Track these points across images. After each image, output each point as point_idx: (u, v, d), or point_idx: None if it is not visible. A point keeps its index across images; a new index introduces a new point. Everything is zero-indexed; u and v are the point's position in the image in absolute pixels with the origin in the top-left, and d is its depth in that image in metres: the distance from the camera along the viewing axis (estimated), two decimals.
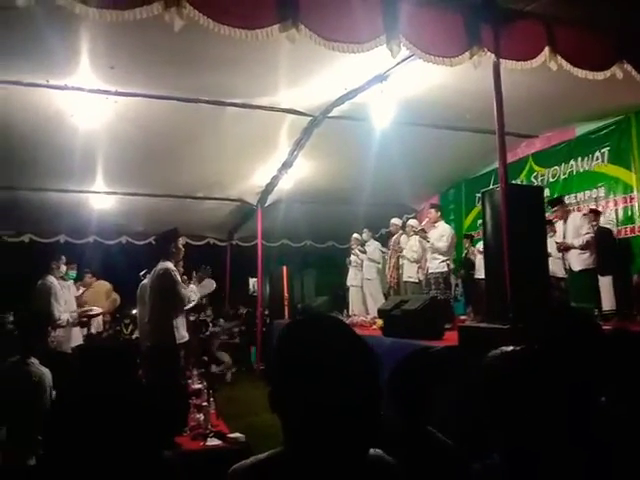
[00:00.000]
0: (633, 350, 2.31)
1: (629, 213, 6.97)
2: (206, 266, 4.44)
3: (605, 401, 1.85)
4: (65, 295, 5.13)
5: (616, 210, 7.13)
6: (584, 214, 6.61)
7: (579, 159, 7.64)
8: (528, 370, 1.27)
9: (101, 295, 6.35)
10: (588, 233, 6.23)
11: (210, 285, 4.42)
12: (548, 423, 1.25)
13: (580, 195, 7.63)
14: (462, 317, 7.99)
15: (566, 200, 7.78)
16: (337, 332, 1.01)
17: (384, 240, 9.08)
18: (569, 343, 1.65)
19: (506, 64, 3.87)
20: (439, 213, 7.00)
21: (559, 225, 6.56)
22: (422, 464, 1.63)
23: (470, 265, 8.75)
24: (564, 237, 6.39)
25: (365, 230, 9.06)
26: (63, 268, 5.34)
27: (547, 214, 7.87)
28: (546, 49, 3.93)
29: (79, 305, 5.39)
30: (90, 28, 4.09)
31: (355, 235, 9.27)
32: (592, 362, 1.65)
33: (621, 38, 4.17)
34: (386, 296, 8.20)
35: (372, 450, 1.11)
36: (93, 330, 7.22)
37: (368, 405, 0.97)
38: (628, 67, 4.12)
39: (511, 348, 1.34)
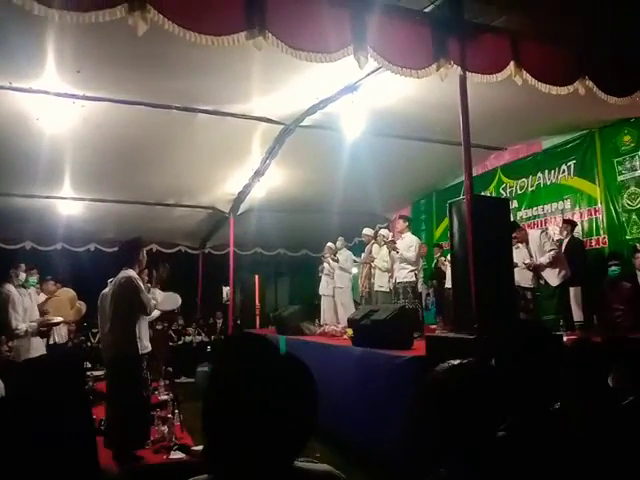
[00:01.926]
0: (593, 360, 2.35)
1: (594, 225, 7.14)
2: (164, 263, 4.35)
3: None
4: (25, 303, 4.98)
5: (581, 222, 7.29)
6: (542, 231, 6.72)
7: (546, 172, 7.80)
8: (474, 383, 1.26)
9: (65, 303, 6.17)
10: (552, 249, 6.33)
11: (175, 300, 4.32)
12: (494, 435, 1.25)
13: (547, 207, 7.78)
14: (433, 326, 8.05)
15: (534, 212, 7.97)
16: (261, 350, 1.03)
17: (359, 248, 9.08)
18: (524, 356, 1.66)
19: (472, 77, 3.93)
20: (407, 224, 7.05)
21: (522, 247, 6.65)
22: None
23: (441, 275, 8.83)
24: (531, 257, 6.49)
25: (340, 238, 9.03)
26: (22, 275, 5.18)
27: (520, 224, 8.08)
28: (511, 63, 4.00)
29: (41, 314, 5.22)
30: (55, 30, 4.00)
31: (329, 244, 9.26)
32: (546, 376, 1.66)
33: (583, 54, 4.28)
34: (358, 305, 8.20)
35: (320, 465, 1.10)
36: (58, 340, 7.02)
37: (292, 417, 0.98)
38: (590, 83, 4.23)
39: (458, 361, 1.33)
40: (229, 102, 5.83)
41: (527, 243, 6.55)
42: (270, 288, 14.34)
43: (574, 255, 6.57)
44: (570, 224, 6.96)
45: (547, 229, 7.03)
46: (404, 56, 3.67)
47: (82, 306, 7.16)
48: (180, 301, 4.37)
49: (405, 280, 6.65)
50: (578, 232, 7.24)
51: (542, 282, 6.59)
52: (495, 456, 1.23)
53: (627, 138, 6.67)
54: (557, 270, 6.32)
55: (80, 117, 5.70)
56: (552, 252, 6.26)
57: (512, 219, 7.46)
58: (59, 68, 4.73)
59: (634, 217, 6.60)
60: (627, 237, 6.70)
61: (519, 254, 6.72)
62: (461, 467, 1.21)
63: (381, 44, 3.55)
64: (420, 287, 7.89)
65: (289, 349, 1.08)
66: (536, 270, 6.46)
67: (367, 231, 8.36)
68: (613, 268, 6.22)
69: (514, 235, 6.54)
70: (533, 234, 6.66)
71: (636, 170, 6.57)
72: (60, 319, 5.40)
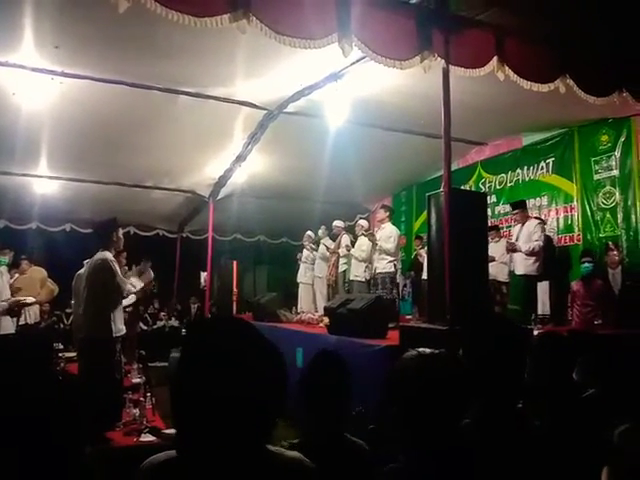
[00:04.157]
0: (559, 354, 2.40)
1: (569, 222, 7.27)
2: (147, 260, 4.32)
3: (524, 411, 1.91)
4: None
5: (557, 219, 7.43)
6: (539, 222, 6.81)
7: (525, 168, 7.90)
8: (441, 372, 1.28)
9: (35, 282, 6.05)
10: (537, 241, 6.40)
11: (148, 275, 4.28)
12: (454, 426, 1.27)
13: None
14: (408, 317, 8.14)
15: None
16: (235, 331, 1.03)
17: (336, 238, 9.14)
18: (491, 349, 1.69)
19: (455, 70, 3.94)
20: (387, 213, 7.09)
21: (516, 228, 6.75)
22: (340, 470, 1.63)
23: (419, 266, 8.91)
24: (517, 240, 6.56)
25: (322, 227, 9.07)
26: None
27: (496, 219, 8.19)
28: (494, 58, 4.02)
29: (13, 292, 5.11)
30: (32, 4, 3.91)
31: (308, 232, 9.29)
32: (511, 370, 1.69)
33: (565, 53, 4.33)
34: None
35: (290, 452, 1.11)
36: (29, 320, 6.91)
37: (261, 401, 0.98)
38: (570, 82, 4.28)
39: (429, 351, 1.35)
40: (212, 85, 5.76)
41: (522, 225, 6.61)
42: (249, 275, 14.31)
43: (545, 251, 6.69)
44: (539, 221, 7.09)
45: (545, 222, 7.08)
46: (388, 46, 3.67)
47: (54, 286, 7.05)
48: (152, 275, 4.33)
49: (384, 271, 6.72)
50: (554, 229, 7.38)
51: (511, 268, 6.70)
52: (454, 445, 1.26)
53: (605, 138, 6.79)
54: (528, 262, 6.35)
55: (58, 94, 5.57)
56: (536, 243, 6.30)
57: (490, 214, 7.59)
58: (37, 43, 4.61)
59: (608, 216, 6.75)
60: (601, 235, 6.84)
61: (497, 248, 6.83)
62: (418, 456, 1.23)
63: (366, 33, 3.54)
64: (398, 278, 7.98)
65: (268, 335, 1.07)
66: (512, 251, 6.52)
67: (338, 223, 8.53)
68: (586, 265, 6.34)
69: (516, 212, 6.63)
70: (531, 221, 6.69)
71: (612, 170, 6.70)
72: (32, 299, 5.31)
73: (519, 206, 6.77)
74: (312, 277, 9.06)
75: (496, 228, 7.57)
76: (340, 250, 8.08)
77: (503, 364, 1.65)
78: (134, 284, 4.12)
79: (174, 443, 1.02)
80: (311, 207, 9.70)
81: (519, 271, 6.40)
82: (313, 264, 9.08)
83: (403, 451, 1.27)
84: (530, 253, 6.31)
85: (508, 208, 8.07)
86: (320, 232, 9.09)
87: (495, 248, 6.76)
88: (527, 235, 6.45)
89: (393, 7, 3.71)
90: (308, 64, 5.02)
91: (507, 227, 7.96)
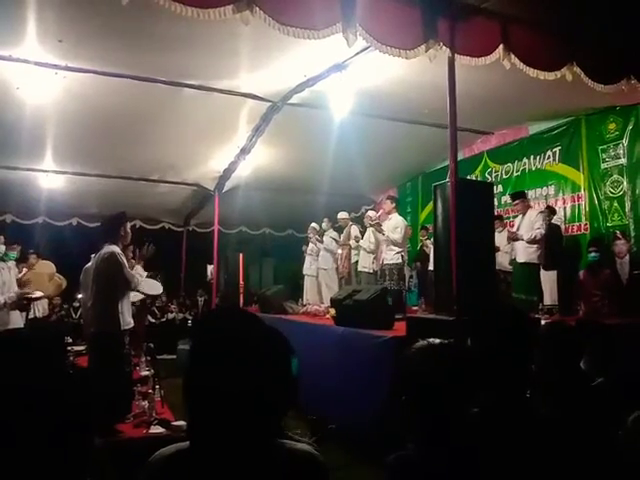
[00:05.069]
0: (567, 343, 2.39)
1: (576, 211, 7.23)
2: (149, 243, 4.31)
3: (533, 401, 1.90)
4: (4, 276, 4.91)
5: (564, 208, 7.38)
6: (541, 211, 6.77)
7: (531, 157, 7.85)
8: (450, 361, 1.29)
9: (43, 277, 6.09)
10: (539, 229, 6.36)
11: (157, 288, 4.29)
12: (464, 414, 1.28)
13: (531, 192, 7.83)
14: (414, 308, 8.14)
15: None
16: (244, 323, 1.02)
17: (341, 230, 9.14)
18: (500, 338, 1.69)
19: (461, 59, 3.91)
20: (394, 205, 7.05)
21: (518, 218, 6.72)
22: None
23: (425, 257, 8.88)
24: (518, 229, 6.53)
25: (325, 219, 9.06)
26: (2, 248, 5.10)
27: (502, 209, 8.14)
28: (500, 47, 3.98)
29: (21, 287, 5.15)
30: None
31: (313, 224, 9.27)
32: (520, 358, 1.69)
33: (572, 41, 4.28)
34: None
35: (300, 445, 1.11)
36: (39, 314, 6.95)
37: (271, 394, 0.98)
38: (577, 69, 4.23)
39: (439, 341, 1.35)
40: (216, 78, 5.75)
41: (524, 215, 6.57)
42: (255, 267, 14.33)
43: (552, 240, 6.65)
44: (550, 210, 7.05)
45: (548, 212, 7.03)
46: (393, 36, 3.64)
47: (62, 280, 7.09)
48: (161, 290, 4.34)
49: (392, 262, 6.70)
50: (561, 218, 7.33)
51: (513, 257, 6.68)
52: (463, 434, 1.26)
53: (612, 126, 6.73)
54: (530, 250, 6.31)
55: (62, 88, 5.58)
56: (538, 231, 6.25)
57: (496, 203, 7.55)
58: (40, 37, 4.61)
59: (615, 205, 6.70)
60: (608, 224, 6.80)
61: (500, 238, 6.79)
62: (427, 443, 1.23)
63: (370, 23, 3.51)
64: (404, 269, 7.97)
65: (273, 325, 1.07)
66: (514, 240, 6.50)
67: (342, 215, 8.50)
68: (593, 254, 6.31)
69: (516, 202, 6.61)
70: (532, 211, 6.63)
71: (619, 158, 6.64)
72: (40, 293, 5.34)
73: (518, 197, 6.73)
74: (317, 269, 9.06)
75: (499, 217, 7.52)
76: (351, 242, 8.05)
77: (511, 353, 1.65)
78: (140, 273, 4.12)
79: (186, 435, 1.02)
80: (316, 199, 9.69)
81: (520, 259, 6.39)
82: (318, 256, 9.07)
83: (412, 438, 1.27)
84: (532, 241, 6.28)
85: None
86: (324, 224, 9.07)
87: (499, 238, 6.71)
88: (529, 224, 6.42)
89: None
90: (312, 55, 4.99)
91: (513, 217, 7.90)
